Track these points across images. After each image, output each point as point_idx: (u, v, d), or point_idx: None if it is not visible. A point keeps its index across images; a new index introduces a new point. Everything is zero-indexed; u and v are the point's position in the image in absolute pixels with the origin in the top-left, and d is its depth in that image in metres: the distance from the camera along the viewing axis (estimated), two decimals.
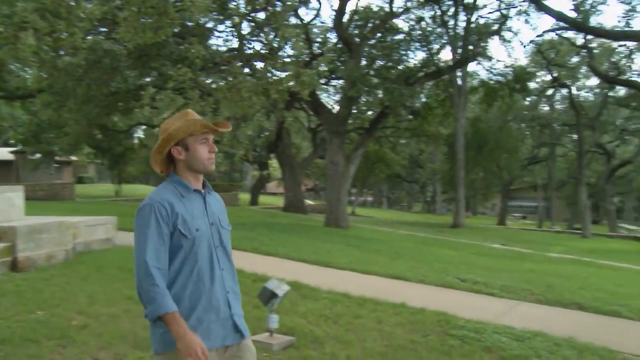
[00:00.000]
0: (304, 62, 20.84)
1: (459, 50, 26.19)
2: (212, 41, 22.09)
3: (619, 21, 33.34)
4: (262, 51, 20.32)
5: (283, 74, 17.42)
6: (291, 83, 16.21)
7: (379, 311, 6.90)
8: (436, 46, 25.94)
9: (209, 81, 19.23)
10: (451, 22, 26.59)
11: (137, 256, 2.34)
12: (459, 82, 31.67)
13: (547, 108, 45.61)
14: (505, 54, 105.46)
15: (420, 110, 26.53)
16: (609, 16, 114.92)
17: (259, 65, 19.25)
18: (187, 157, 2.49)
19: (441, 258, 13.81)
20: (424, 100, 27.40)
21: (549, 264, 14.26)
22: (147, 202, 2.41)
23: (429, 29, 25.43)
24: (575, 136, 41.84)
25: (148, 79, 21.75)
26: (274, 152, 34.90)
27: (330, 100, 34.24)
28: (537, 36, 45.01)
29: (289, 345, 5.27)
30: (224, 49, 22.76)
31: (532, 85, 37.19)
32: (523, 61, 46.61)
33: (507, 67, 29.89)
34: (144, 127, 40.02)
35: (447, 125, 33.65)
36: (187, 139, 2.48)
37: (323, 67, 19.57)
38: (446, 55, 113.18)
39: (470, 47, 24.79)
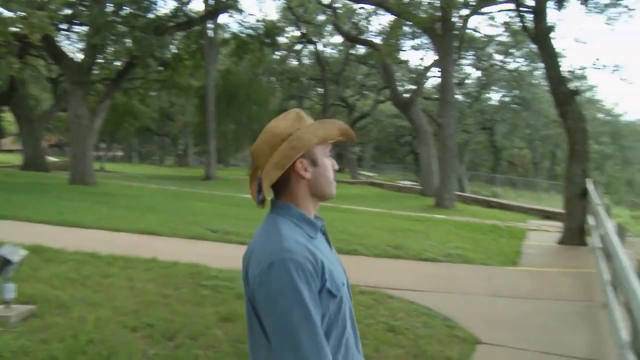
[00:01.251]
0: (40, 3, 18.94)
1: (211, 2, 25.97)
2: None
3: None
4: None
5: (9, 15, 15.56)
6: (19, 25, 14.59)
7: (130, 268, 6.80)
8: None
9: None
10: None
11: (301, 354, 1.42)
12: (211, 33, 31.56)
13: (295, 62, 47.48)
14: (256, 8, 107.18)
15: (170, 62, 25.93)
16: None
17: None
18: (315, 175, 1.69)
19: (193, 211, 13.87)
20: (174, 51, 26.85)
21: None
22: (283, 255, 1.49)
23: None
24: (321, 90, 44.45)
25: None
26: (7, 105, 31.63)
27: (73, 48, 31.87)
28: None
29: (30, 315, 4.92)
30: None
31: (281, 40, 38.40)
32: (273, 16, 47.90)
33: (258, 21, 30.41)
34: None
35: (198, 77, 33.44)
36: (315, 149, 1.68)
37: (62, 12, 17.90)
38: (198, 5, 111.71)
39: None
